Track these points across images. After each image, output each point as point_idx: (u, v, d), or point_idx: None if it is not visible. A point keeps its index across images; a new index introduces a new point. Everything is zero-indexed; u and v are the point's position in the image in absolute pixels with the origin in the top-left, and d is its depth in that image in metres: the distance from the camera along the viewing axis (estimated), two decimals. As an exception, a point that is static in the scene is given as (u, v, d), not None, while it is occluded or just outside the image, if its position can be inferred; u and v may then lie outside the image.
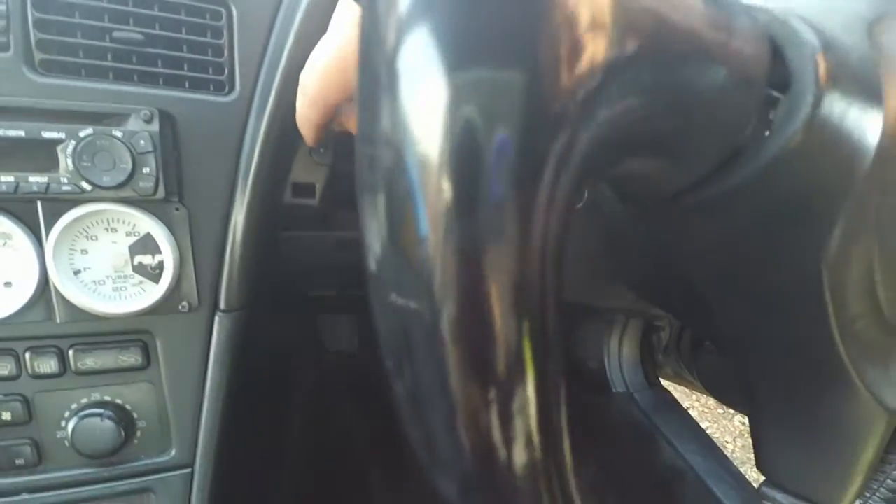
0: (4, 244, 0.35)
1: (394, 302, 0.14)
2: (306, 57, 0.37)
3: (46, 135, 0.34)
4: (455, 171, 0.13)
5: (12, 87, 0.34)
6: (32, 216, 0.35)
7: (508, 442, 0.15)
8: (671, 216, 0.25)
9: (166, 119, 0.36)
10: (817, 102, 0.19)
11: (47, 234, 0.35)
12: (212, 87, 0.38)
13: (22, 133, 0.33)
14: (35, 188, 0.34)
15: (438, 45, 0.12)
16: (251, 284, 0.40)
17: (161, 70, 0.37)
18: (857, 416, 0.25)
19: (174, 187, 0.37)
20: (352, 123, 0.40)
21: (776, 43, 0.20)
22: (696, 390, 0.80)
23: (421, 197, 0.13)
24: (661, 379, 0.81)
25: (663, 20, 0.16)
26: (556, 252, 0.15)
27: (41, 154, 0.34)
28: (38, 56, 0.35)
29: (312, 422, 0.73)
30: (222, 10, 0.38)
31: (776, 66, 0.20)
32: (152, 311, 0.37)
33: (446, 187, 0.12)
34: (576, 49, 0.13)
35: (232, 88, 0.38)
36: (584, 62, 0.14)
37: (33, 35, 0.34)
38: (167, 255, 0.37)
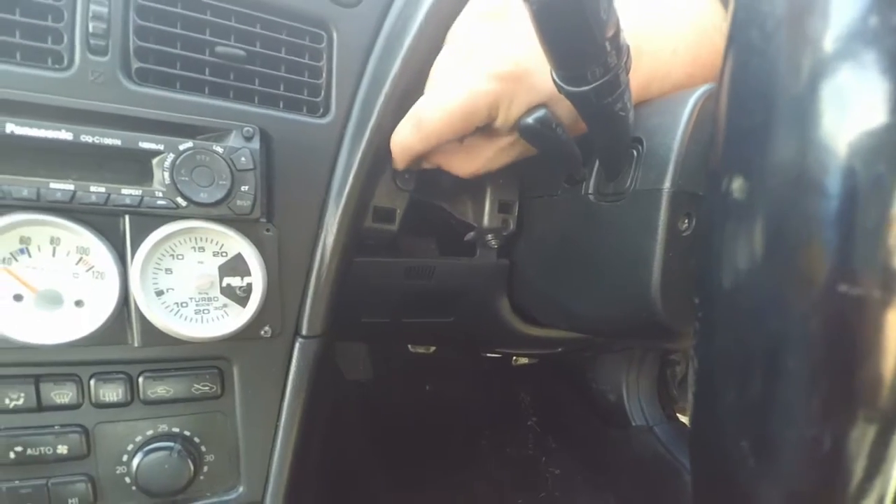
0: (80, 260, 0.33)
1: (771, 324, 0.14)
2: (410, 84, 0.38)
3: (144, 145, 0.32)
4: None
5: (107, 95, 0.32)
6: (115, 231, 0.33)
7: (867, 477, 0.15)
8: None
9: (264, 137, 0.35)
10: None
11: (133, 252, 0.32)
12: (305, 109, 0.37)
13: (118, 142, 0.31)
14: (128, 201, 0.32)
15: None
16: (332, 310, 0.39)
17: (258, 88, 0.36)
18: None
19: (266, 208, 0.35)
20: (448, 161, 0.40)
21: None
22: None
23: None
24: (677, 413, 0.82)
25: None
26: None
27: (134, 166, 0.32)
28: (135, 64, 0.33)
29: (330, 448, 0.70)
30: (323, 33, 0.37)
31: None
32: (234, 335, 0.35)
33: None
34: None
35: (327, 111, 0.38)
36: None
37: (132, 42, 0.33)
38: (257, 278, 0.35)
